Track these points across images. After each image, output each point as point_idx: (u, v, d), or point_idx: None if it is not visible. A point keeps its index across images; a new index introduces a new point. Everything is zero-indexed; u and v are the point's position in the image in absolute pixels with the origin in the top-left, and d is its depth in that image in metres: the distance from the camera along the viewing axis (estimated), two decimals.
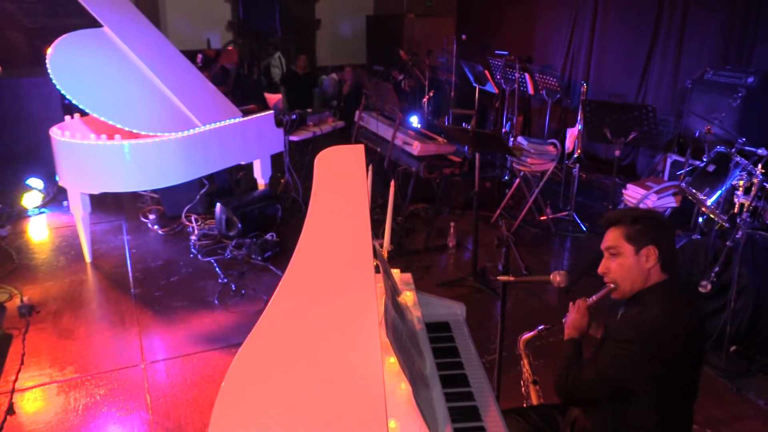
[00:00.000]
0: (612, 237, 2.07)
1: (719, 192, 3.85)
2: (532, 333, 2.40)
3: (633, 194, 4.62)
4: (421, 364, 1.94)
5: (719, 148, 3.96)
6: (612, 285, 2.08)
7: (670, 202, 4.53)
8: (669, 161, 5.18)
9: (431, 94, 7.44)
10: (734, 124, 4.95)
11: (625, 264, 2.03)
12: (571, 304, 2.27)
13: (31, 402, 3.31)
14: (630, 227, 2.03)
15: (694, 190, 3.94)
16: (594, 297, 2.17)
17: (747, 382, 3.48)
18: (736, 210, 3.66)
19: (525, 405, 2.49)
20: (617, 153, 4.58)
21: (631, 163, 6.82)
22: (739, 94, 4.96)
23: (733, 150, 3.82)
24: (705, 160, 4.05)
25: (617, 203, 4.98)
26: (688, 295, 2.01)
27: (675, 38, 6.30)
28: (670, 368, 1.91)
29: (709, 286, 3.71)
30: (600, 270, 2.11)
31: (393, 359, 1.69)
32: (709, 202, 3.85)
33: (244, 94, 6.45)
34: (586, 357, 2.10)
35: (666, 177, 5.14)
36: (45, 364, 3.62)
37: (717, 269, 3.69)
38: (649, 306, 1.98)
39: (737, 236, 3.58)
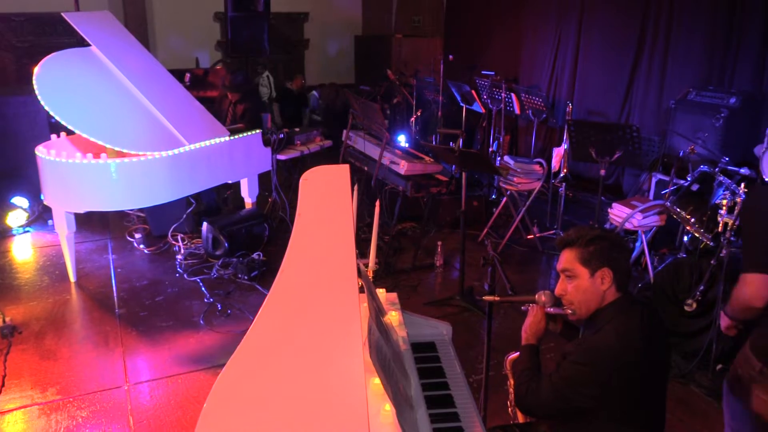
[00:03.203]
0: (567, 259, 2.09)
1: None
2: (518, 353, 2.40)
3: (618, 213, 4.65)
4: (405, 385, 1.93)
5: (703, 168, 4.01)
6: (570, 311, 2.11)
7: (655, 220, 4.57)
8: (654, 180, 5.23)
9: (419, 114, 7.49)
10: (717, 144, 5.01)
11: (580, 287, 2.05)
12: (529, 308, 2.30)
13: (12, 425, 3.25)
14: (584, 249, 2.04)
15: (678, 209, 3.97)
16: (552, 309, 2.19)
17: None
18: (720, 229, 3.69)
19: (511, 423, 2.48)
20: (602, 172, 4.62)
21: (617, 182, 6.88)
22: (722, 115, 5.03)
23: (717, 169, 3.87)
24: (689, 179, 4.09)
25: (603, 222, 5.01)
26: (641, 308, 2.03)
27: (659, 59, 6.39)
28: (625, 386, 1.93)
29: (694, 305, 3.73)
30: (557, 292, 2.14)
31: (377, 380, 1.68)
32: (693, 221, 3.88)
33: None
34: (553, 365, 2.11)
35: (651, 196, 5.18)
36: (27, 385, 3.57)
37: (702, 288, 3.71)
38: (602, 326, 2.01)
39: (721, 255, 3.61)
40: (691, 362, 3.66)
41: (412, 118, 7.46)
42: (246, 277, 4.92)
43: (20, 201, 6.12)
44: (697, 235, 3.92)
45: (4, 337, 4.04)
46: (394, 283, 4.88)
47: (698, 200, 4.26)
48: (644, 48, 6.56)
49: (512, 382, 2.46)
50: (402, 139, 6.25)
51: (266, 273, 5.00)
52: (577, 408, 1.97)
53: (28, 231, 6.01)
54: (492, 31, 8.98)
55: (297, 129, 6.53)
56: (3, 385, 3.56)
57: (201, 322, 4.33)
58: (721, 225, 3.68)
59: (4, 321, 4.21)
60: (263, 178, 5.84)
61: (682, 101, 5.55)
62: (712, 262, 3.67)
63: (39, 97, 4.26)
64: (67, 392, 3.51)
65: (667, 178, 4.93)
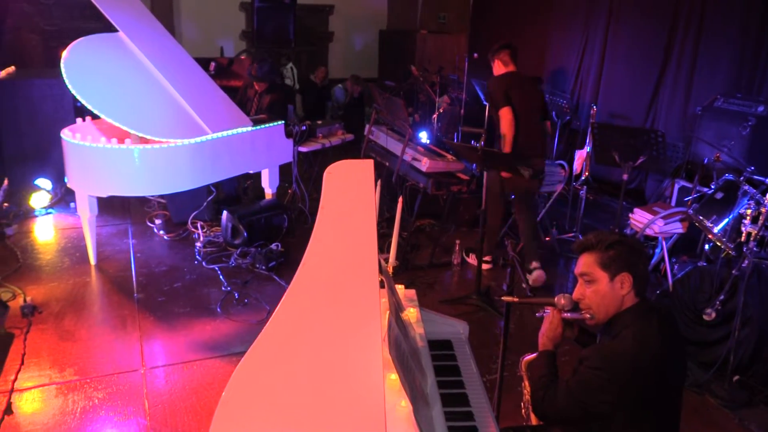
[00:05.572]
0: (586, 263, 2.07)
1: (726, 220, 3.84)
2: (533, 355, 2.40)
3: (640, 218, 4.60)
4: (422, 382, 1.93)
5: (728, 176, 3.95)
6: (588, 315, 2.09)
7: (677, 227, 4.52)
8: (677, 187, 5.17)
9: (441, 111, 7.47)
10: (743, 153, 4.93)
11: (599, 291, 2.04)
12: (544, 314, 2.28)
13: (30, 402, 3.30)
14: (604, 253, 2.03)
15: (701, 217, 3.92)
16: (569, 314, 2.18)
17: (749, 412, 3.45)
18: (743, 239, 3.64)
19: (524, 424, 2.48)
20: (625, 176, 4.57)
21: (639, 187, 6.81)
22: (749, 123, 4.95)
23: (742, 178, 3.81)
24: (713, 187, 4.04)
25: (624, 226, 4.97)
26: (659, 314, 2.01)
27: (687, 64, 6.30)
28: (641, 392, 1.92)
29: (713, 314, 3.69)
30: (575, 296, 2.12)
31: (394, 376, 1.69)
32: (716, 230, 3.83)
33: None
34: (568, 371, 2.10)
35: (673, 202, 5.12)
36: (45, 365, 3.62)
37: (722, 297, 3.67)
38: (620, 332, 2.00)
39: (743, 265, 3.56)
40: (708, 372, 3.63)
41: (434, 115, 7.44)
42: (264, 267, 4.94)
43: (44, 183, 6.21)
44: (719, 243, 3.87)
45: (25, 317, 4.10)
46: (410, 280, 4.88)
47: (721, 209, 4.20)
48: (672, 53, 6.48)
49: (527, 383, 2.46)
50: (423, 136, 6.23)
51: (284, 264, 5.02)
52: (593, 413, 1.96)
53: (50, 213, 6.09)
54: (518, 31, 8.91)
55: (319, 122, 6.55)
56: (22, 363, 3.62)
57: (218, 309, 4.36)
58: (744, 235, 3.63)
59: (24, 300, 4.28)
60: (284, 170, 5.86)
61: (709, 108, 5.47)
62: (733, 272, 3.62)
63: (66, 82, 4.30)
64: (85, 373, 3.56)
65: (690, 185, 4.88)
